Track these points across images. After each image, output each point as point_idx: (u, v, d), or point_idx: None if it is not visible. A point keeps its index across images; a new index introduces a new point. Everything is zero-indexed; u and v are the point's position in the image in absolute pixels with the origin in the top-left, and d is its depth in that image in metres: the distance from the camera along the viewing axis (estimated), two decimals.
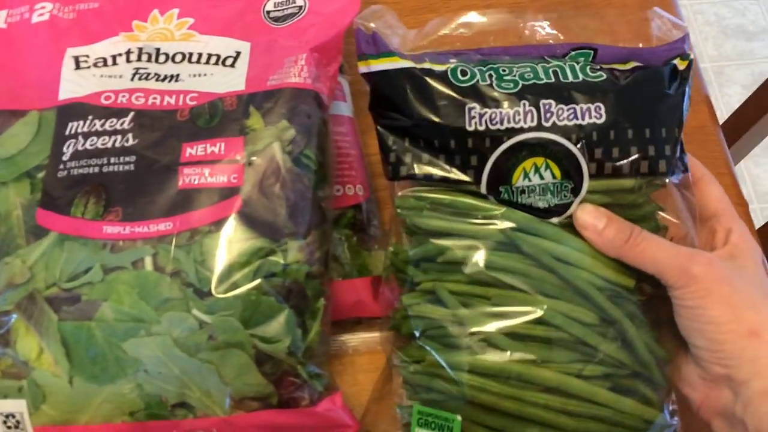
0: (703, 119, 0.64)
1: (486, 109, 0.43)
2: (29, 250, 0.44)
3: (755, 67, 1.67)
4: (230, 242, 0.43)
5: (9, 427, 0.43)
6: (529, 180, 0.43)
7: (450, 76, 0.44)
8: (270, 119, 0.46)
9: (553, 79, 0.44)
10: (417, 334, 0.45)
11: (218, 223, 0.44)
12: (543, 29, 0.49)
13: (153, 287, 0.43)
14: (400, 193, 0.46)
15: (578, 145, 0.43)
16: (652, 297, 0.45)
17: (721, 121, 0.89)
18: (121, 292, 0.43)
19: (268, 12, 0.51)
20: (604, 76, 0.44)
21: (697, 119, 0.63)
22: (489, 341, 0.43)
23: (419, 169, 0.44)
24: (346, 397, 0.48)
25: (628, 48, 0.47)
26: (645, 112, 0.44)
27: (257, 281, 0.43)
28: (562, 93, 0.43)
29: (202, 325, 0.42)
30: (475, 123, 0.43)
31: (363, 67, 0.46)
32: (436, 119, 0.44)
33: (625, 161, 0.43)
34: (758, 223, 0.83)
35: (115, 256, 0.43)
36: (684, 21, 0.57)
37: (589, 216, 0.43)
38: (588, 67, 0.45)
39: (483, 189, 0.44)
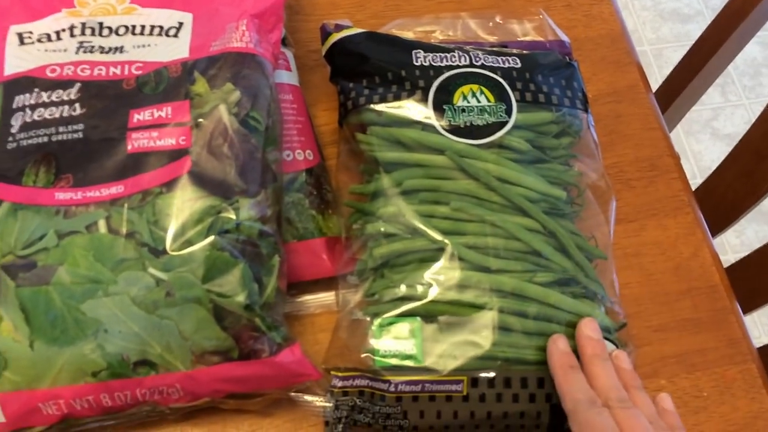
0: (633, 79, 0.67)
1: (428, 53, 0.55)
2: None
3: None
4: (182, 201, 0.44)
5: None
6: (468, 102, 0.52)
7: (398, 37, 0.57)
8: (215, 83, 0.47)
9: (477, 47, 0.57)
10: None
11: (169, 184, 0.45)
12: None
13: (108, 249, 0.44)
14: (359, 135, 0.53)
15: (502, 77, 0.54)
16: None
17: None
18: (77, 256, 0.43)
19: None
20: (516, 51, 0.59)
21: (627, 79, 0.67)
22: (449, 253, 0.49)
23: (375, 99, 0.53)
24: (308, 356, 0.50)
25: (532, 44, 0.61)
26: (547, 67, 0.56)
27: (211, 238, 0.44)
28: (486, 51, 0.56)
29: (158, 282, 0.43)
30: (420, 61, 0.54)
31: (328, 44, 0.56)
32: (389, 58, 0.54)
33: (540, 94, 0.54)
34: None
35: (68, 221, 0.44)
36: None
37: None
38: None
39: (430, 107, 0.52)
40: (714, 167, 0.82)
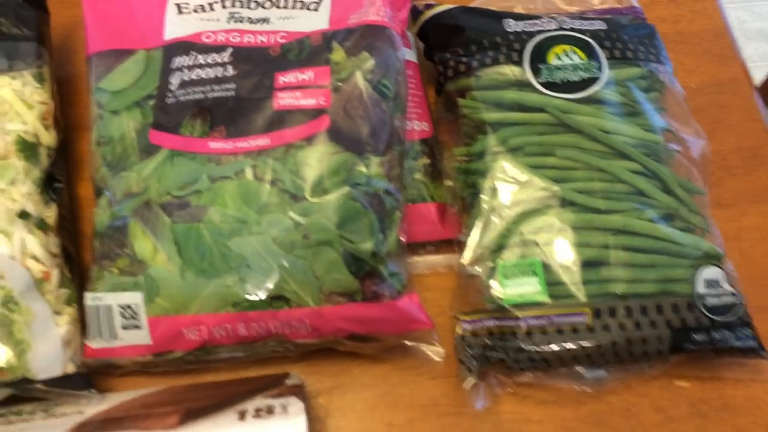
0: (736, 73, 0.69)
1: (519, 21, 0.60)
2: (143, 165, 0.50)
3: None
4: (321, 155, 0.49)
5: (125, 318, 0.48)
6: (561, 61, 0.57)
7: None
8: (352, 52, 0.52)
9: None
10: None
11: (310, 139, 0.49)
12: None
13: (254, 193, 0.48)
14: (461, 100, 0.58)
15: (591, 38, 0.58)
16: None
17: None
18: (226, 198, 0.48)
19: None
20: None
21: (730, 73, 0.69)
22: (561, 198, 0.53)
23: (474, 65, 0.57)
24: None
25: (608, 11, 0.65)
26: (629, 27, 0.61)
27: (346, 188, 0.48)
28: (572, 16, 0.61)
29: (297, 225, 0.48)
30: (513, 28, 0.59)
31: (420, 22, 0.61)
32: (483, 27, 0.59)
33: (627, 51, 0.59)
34: None
35: (219, 167, 0.49)
36: None
37: None
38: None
39: (527, 67, 0.57)
40: None
